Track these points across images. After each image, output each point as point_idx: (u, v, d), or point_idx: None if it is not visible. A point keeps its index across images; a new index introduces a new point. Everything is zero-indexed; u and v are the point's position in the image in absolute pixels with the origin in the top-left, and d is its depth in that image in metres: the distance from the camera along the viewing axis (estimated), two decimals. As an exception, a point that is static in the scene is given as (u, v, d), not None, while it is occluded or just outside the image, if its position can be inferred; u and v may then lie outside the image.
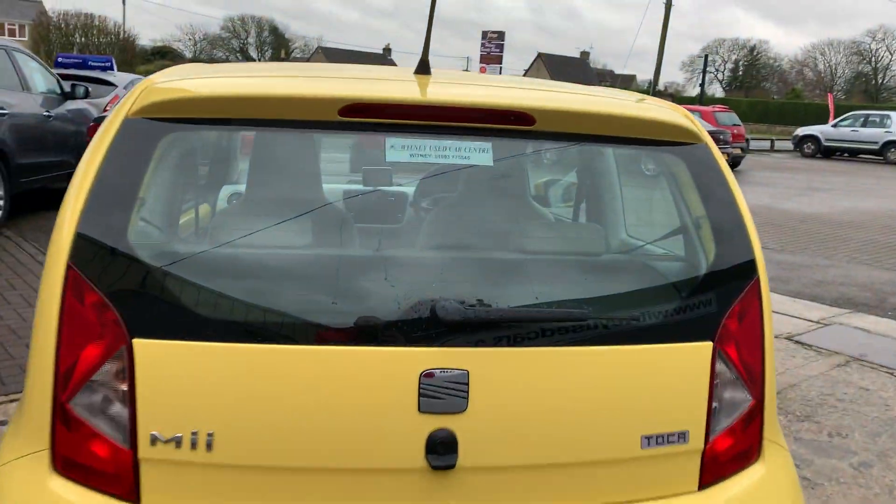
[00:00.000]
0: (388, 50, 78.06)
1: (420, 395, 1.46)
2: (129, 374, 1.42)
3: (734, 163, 19.75)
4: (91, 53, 37.27)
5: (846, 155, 26.92)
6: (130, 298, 1.44)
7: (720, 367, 1.63)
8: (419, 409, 1.46)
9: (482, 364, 1.48)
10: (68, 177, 4.54)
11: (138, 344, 1.42)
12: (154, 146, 1.54)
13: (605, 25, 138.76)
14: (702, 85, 35.08)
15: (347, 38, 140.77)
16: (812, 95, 66.59)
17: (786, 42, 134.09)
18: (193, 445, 1.42)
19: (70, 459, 1.45)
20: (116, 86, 11.09)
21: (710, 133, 7.16)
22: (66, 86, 8.95)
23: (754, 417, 1.69)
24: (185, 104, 1.55)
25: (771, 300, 1.74)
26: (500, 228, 1.92)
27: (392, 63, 67.90)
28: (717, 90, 73.58)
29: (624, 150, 2.30)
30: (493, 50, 32.31)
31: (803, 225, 10.88)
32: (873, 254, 8.85)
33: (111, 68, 12.53)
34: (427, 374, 1.46)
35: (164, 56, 56.61)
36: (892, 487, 3.24)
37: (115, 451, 1.43)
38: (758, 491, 1.67)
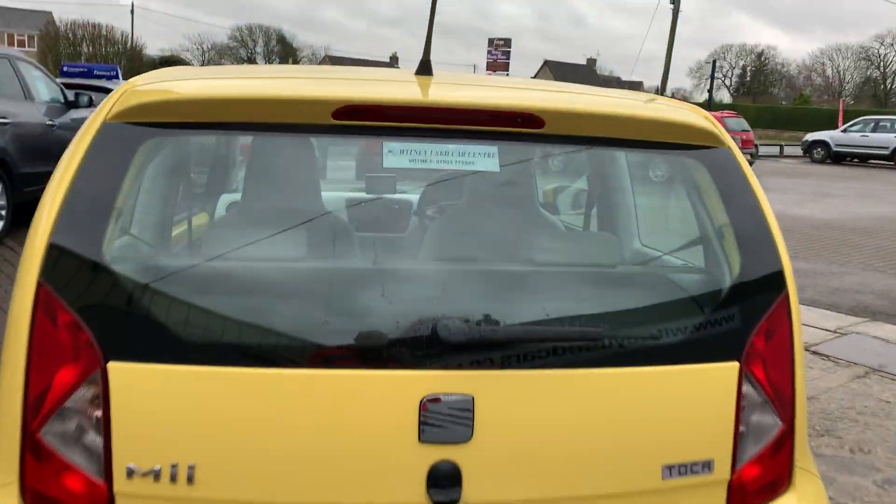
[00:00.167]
0: (394, 58, 78.32)
1: (421, 423, 1.34)
2: (103, 400, 1.31)
3: (744, 168, 19.63)
4: (98, 63, 37.54)
5: (856, 160, 26.76)
6: (105, 317, 1.33)
7: (747, 389, 1.51)
8: (420, 439, 1.34)
9: (489, 388, 1.36)
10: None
11: (113, 367, 1.31)
12: (134, 152, 1.43)
13: (612, 32, 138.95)
14: (710, 90, 34.97)
15: (355, 47, 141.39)
16: (820, 101, 66.54)
17: (793, 48, 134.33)
18: (173, 479, 1.31)
19: (40, 493, 1.34)
20: (121, 95, 11.08)
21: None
22: (70, 95, 8.95)
23: (784, 443, 1.56)
24: (168, 107, 1.45)
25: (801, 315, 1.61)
26: (507, 238, 1.80)
27: (398, 71, 67.99)
28: (724, 96, 73.72)
29: (638, 154, 2.18)
30: (499, 57, 32.35)
31: (816, 231, 10.73)
32: (889, 261, 8.69)
33: (117, 77, 12.56)
34: (429, 400, 1.34)
35: (171, 65, 57.02)
36: (919, 507, 3.11)
37: (88, 484, 1.32)
38: None
